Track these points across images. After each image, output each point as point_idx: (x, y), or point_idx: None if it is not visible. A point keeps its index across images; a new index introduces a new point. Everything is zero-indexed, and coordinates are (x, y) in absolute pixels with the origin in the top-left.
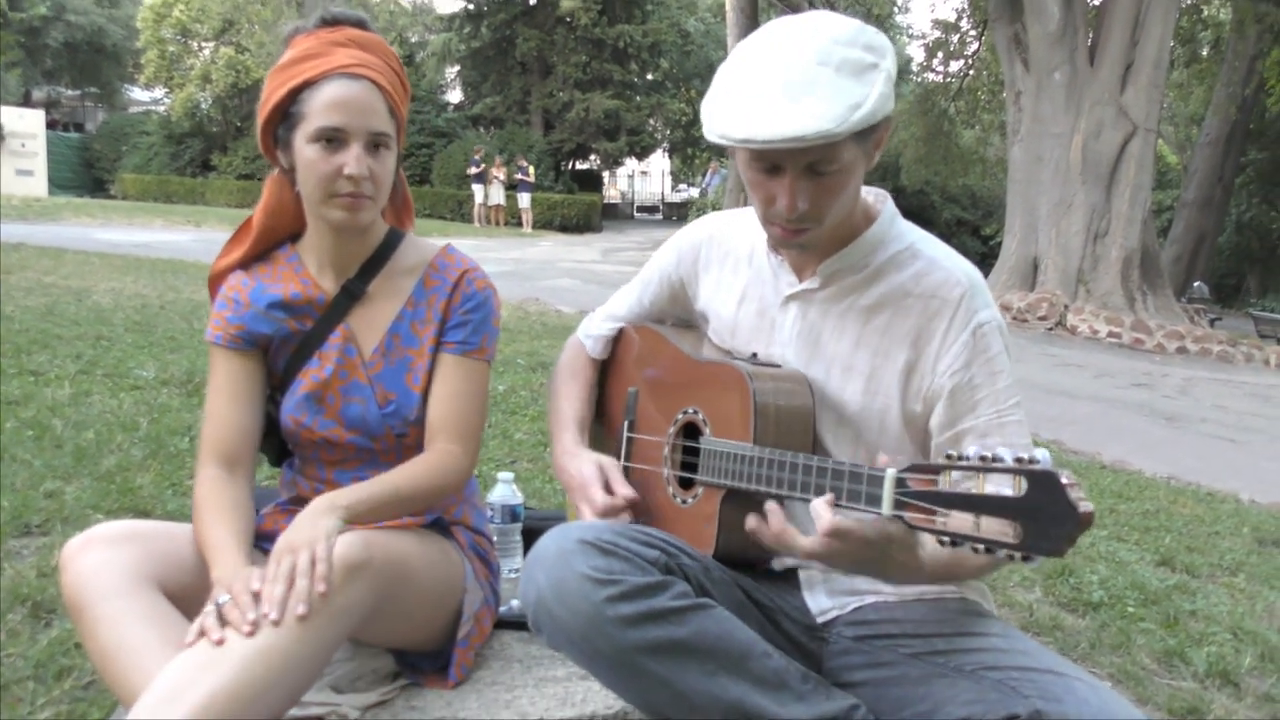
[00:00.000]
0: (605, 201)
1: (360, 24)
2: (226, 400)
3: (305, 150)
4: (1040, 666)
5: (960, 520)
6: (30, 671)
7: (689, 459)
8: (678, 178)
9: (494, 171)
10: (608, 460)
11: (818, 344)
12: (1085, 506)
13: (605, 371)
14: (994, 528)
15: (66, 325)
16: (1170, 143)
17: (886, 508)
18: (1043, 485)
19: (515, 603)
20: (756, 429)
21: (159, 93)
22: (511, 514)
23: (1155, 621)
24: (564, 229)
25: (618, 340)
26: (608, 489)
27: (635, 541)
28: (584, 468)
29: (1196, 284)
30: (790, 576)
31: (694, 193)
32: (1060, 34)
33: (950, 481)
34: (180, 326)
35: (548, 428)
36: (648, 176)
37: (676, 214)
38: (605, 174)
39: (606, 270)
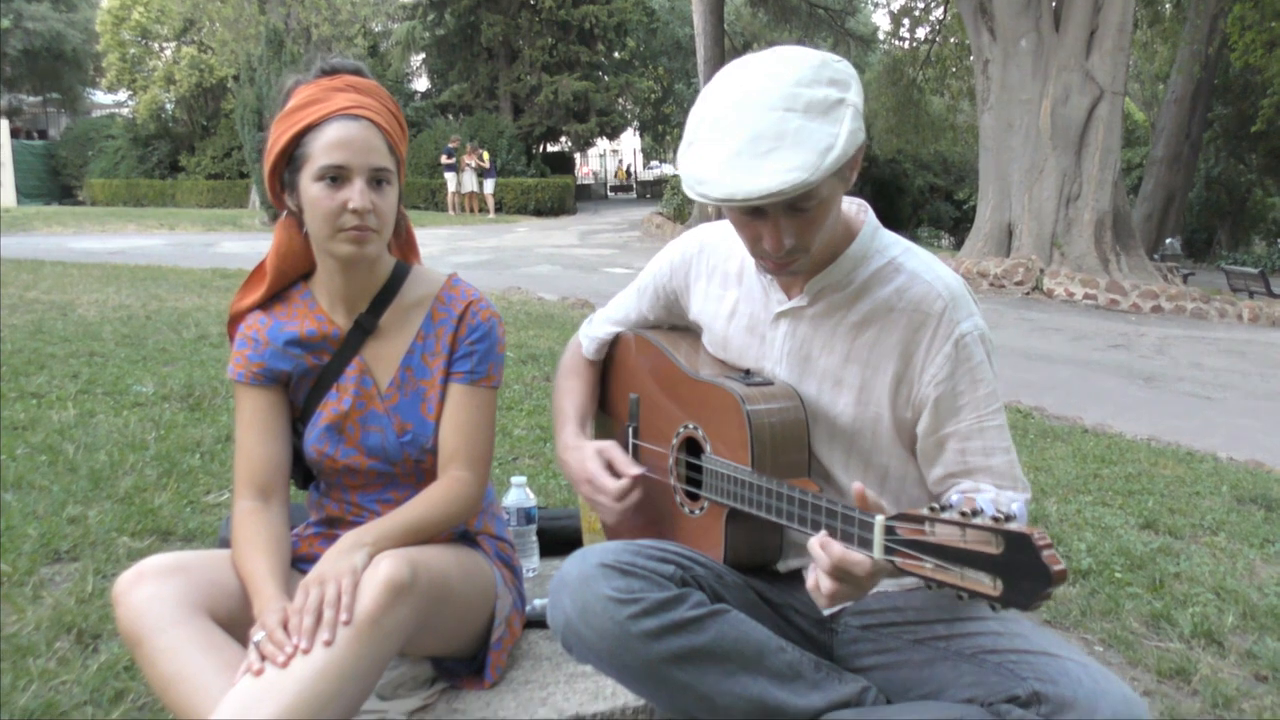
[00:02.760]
0: (578, 183)
1: (357, 71)
2: (255, 435)
3: (311, 189)
4: (1035, 649)
5: (947, 573)
6: (86, 697)
7: (693, 472)
8: (649, 155)
9: (466, 159)
10: (606, 444)
11: (808, 360)
12: (1057, 567)
13: (607, 372)
14: (976, 578)
15: (57, 343)
16: (1137, 100)
17: (877, 552)
18: (1018, 546)
19: (538, 602)
20: (754, 453)
21: (122, 95)
22: (527, 516)
23: (1142, 586)
24: (539, 213)
25: (617, 343)
26: (613, 472)
27: (651, 559)
28: (586, 460)
29: (1169, 241)
30: (796, 576)
31: (666, 169)
32: (1025, 2)
33: (935, 533)
34: (170, 337)
35: (551, 425)
36: (619, 155)
37: (650, 191)
38: (577, 155)
39: (585, 254)
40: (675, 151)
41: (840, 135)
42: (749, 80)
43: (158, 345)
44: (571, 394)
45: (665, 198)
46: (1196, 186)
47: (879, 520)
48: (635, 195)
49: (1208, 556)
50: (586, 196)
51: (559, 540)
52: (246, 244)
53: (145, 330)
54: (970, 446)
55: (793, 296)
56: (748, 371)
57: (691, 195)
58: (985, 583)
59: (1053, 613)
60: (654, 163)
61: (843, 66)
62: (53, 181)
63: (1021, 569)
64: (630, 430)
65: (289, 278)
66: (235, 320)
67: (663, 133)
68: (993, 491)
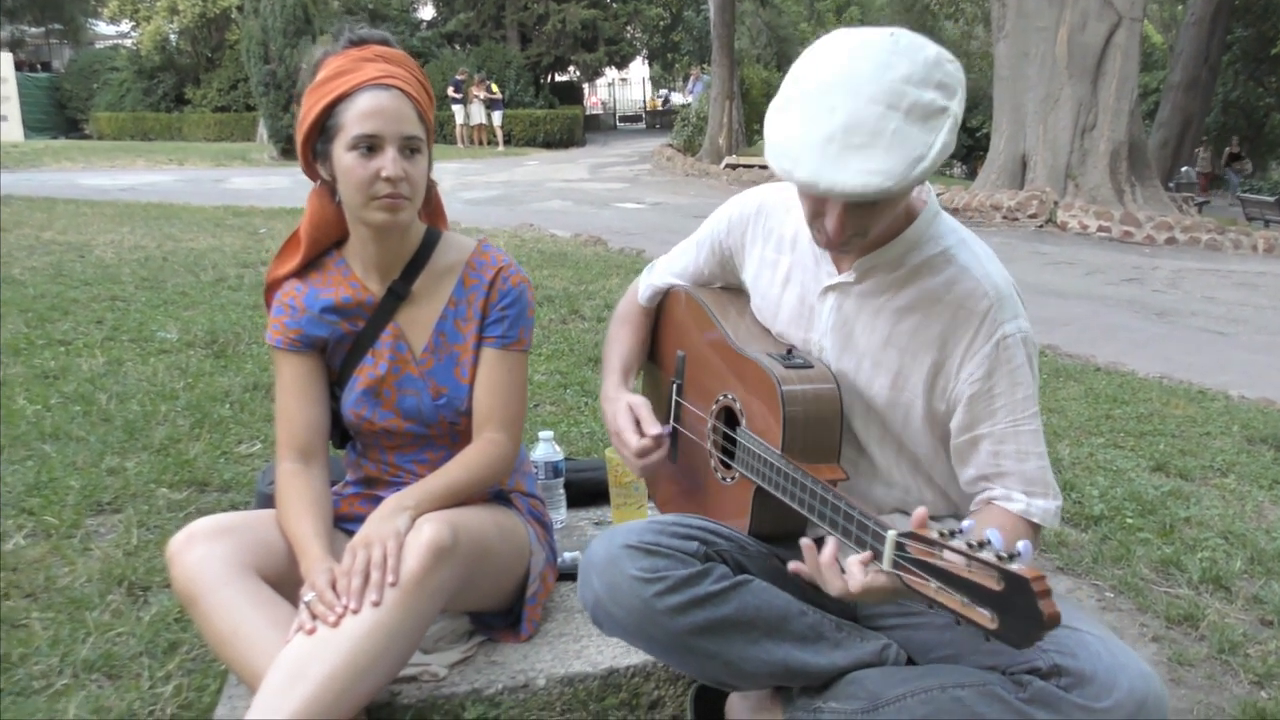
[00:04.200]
0: (587, 113)
1: (385, 42)
2: (294, 398)
3: (344, 158)
4: None
5: (949, 597)
6: (141, 648)
7: (728, 442)
8: (658, 84)
9: (474, 91)
10: (637, 400)
11: (850, 337)
12: (1051, 612)
13: (659, 323)
14: (976, 609)
15: (78, 286)
16: (1155, 23)
17: (886, 564)
18: (1016, 587)
19: (568, 555)
20: (785, 436)
21: (125, 26)
22: (554, 470)
23: (1152, 531)
24: (548, 145)
25: (669, 295)
26: (639, 429)
27: (675, 536)
28: (618, 413)
29: (1184, 169)
30: (819, 545)
31: (675, 99)
32: None
33: (943, 556)
34: (188, 280)
35: (600, 370)
36: (628, 84)
37: (660, 122)
38: (585, 85)
39: (596, 189)
40: (684, 80)
41: (934, 146)
42: (861, 61)
43: (177, 288)
44: (620, 343)
45: (676, 129)
46: (1214, 111)
47: (890, 535)
48: (644, 125)
49: (1217, 499)
50: (596, 127)
51: (585, 491)
52: (256, 179)
53: (163, 272)
54: (1004, 450)
55: (842, 270)
56: (790, 350)
57: (771, 163)
58: (984, 615)
59: (1065, 559)
60: (663, 91)
61: (953, 69)
62: (58, 115)
63: (1018, 610)
64: (675, 387)
65: (323, 246)
66: (272, 288)
67: (672, 61)
68: (1022, 501)
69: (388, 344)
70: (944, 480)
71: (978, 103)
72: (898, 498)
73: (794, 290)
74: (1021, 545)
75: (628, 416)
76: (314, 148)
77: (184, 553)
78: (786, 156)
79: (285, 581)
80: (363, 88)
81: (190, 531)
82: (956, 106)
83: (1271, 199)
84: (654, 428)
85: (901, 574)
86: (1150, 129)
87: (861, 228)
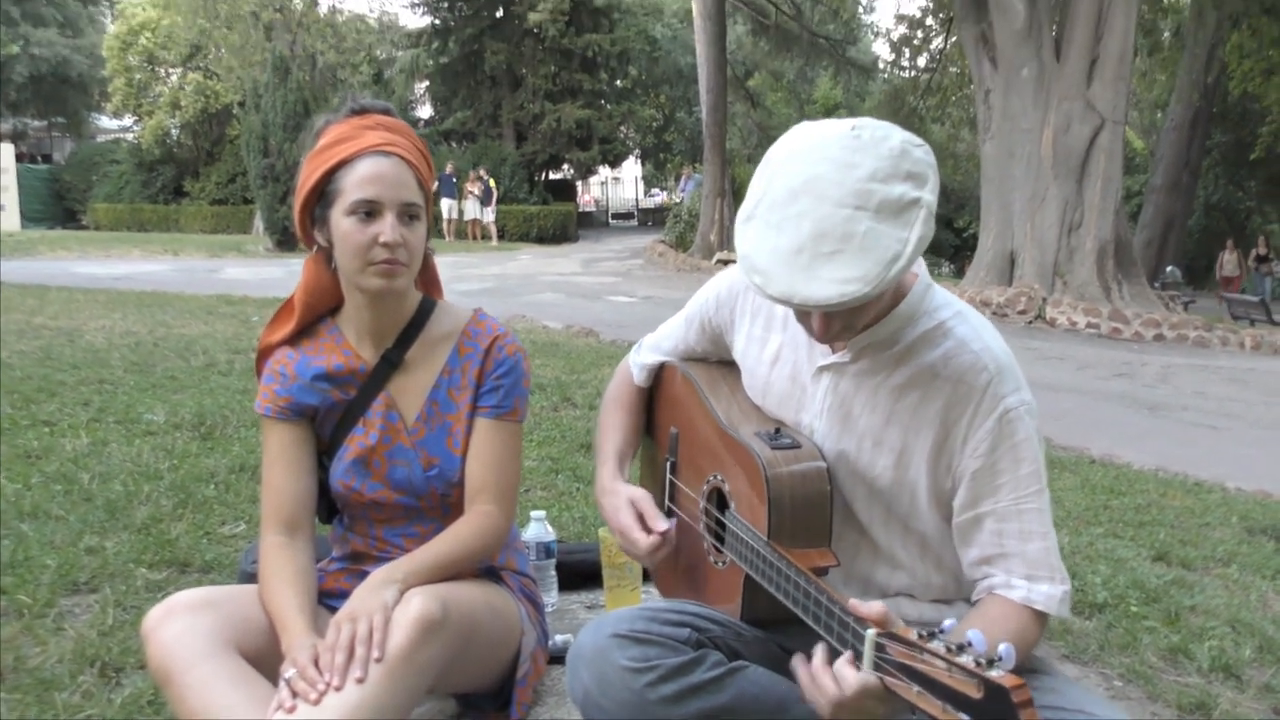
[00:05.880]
0: (580, 210)
1: (386, 111)
2: (282, 468)
3: (342, 223)
4: (1072, 706)
5: (929, 703)
6: None
7: (719, 526)
8: (650, 183)
9: (468, 187)
10: (639, 494)
11: (849, 417)
12: None
13: (654, 396)
14: (959, 715)
15: (66, 370)
16: (1136, 128)
17: (866, 665)
18: (997, 697)
19: (559, 638)
20: (771, 522)
21: (127, 121)
22: (546, 550)
23: (1158, 619)
24: (541, 240)
25: (663, 370)
26: (644, 525)
27: (666, 624)
28: (620, 509)
29: (1169, 268)
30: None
31: (662, 197)
32: (1026, 31)
33: (924, 659)
34: (178, 365)
35: (594, 455)
36: (620, 183)
37: (652, 219)
38: (579, 183)
39: (589, 282)
40: (676, 179)
41: (909, 241)
42: (822, 163)
43: (166, 373)
44: (614, 430)
45: (668, 225)
46: (1196, 213)
47: (869, 634)
48: (637, 223)
49: (1221, 589)
50: (589, 224)
51: (577, 574)
52: (251, 270)
53: (153, 357)
54: (1007, 529)
55: (836, 351)
56: (778, 429)
57: (744, 277)
58: None
59: (1071, 647)
60: (655, 190)
61: (921, 154)
62: (56, 205)
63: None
64: (669, 465)
65: (316, 313)
66: (264, 355)
67: (664, 160)
68: (1023, 588)
69: (379, 413)
70: (954, 562)
71: (964, 203)
72: (904, 581)
73: (784, 369)
74: (1003, 649)
75: (630, 513)
76: (312, 213)
77: (161, 627)
78: (757, 271)
79: (266, 659)
80: (364, 154)
81: (169, 605)
82: (929, 195)
83: (1256, 299)
84: (660, 523)
85: (883, 676)
86: (1134, 230)
87: (848, 324)
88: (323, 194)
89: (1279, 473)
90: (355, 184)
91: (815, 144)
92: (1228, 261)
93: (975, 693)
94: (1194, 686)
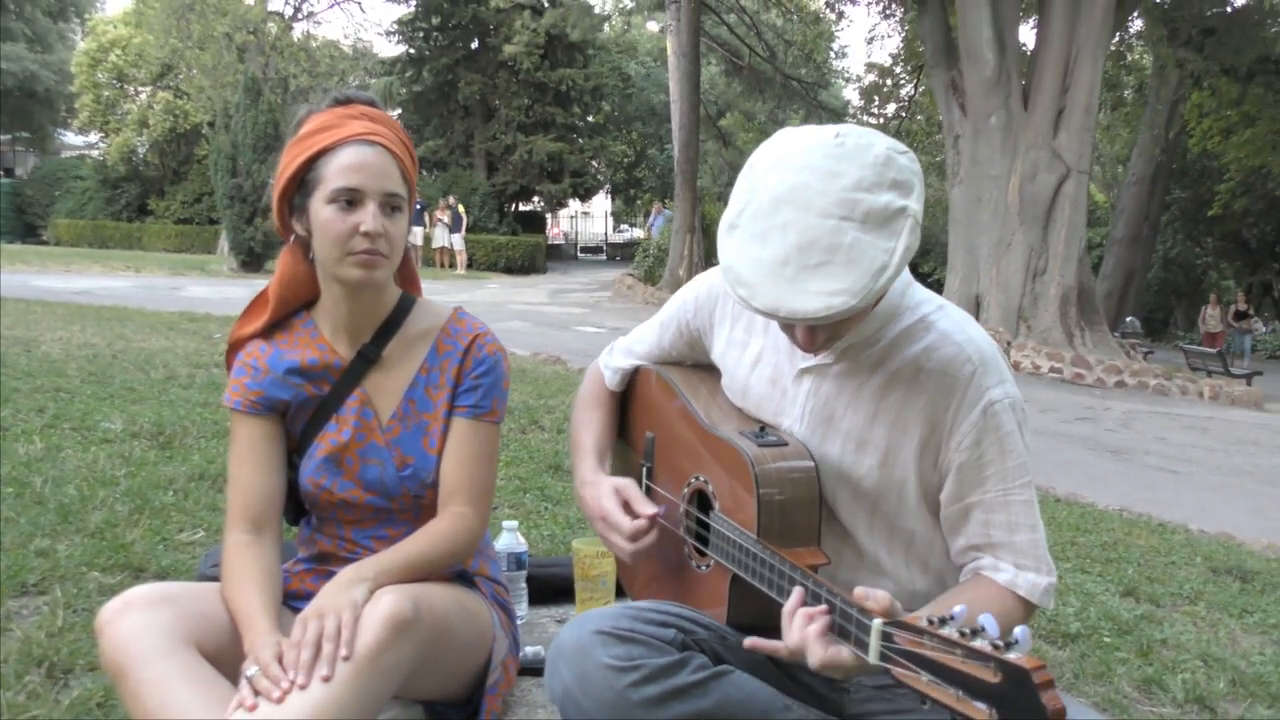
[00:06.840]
0: (549, 243)
1: (370, 103)
2: (250, 464)
3: (322, 212)
4: None
5: (942, 691)
6: None
7: (701, 528)
8: (619, 218)
9: (438, 215)
10: (623, 481)
11: (831, 419)
12: (1055, 704)
13: (628, 400)
14: (972, 703)
15: (21, 378)
16: (1098, 182)
17: (873, 657)
18: (1015, 680)
19: (529, 649)
20: (761, 520)
21: (94, 137)
22: (518, 561)
23: (1130, 651)
24: (509, 270)
25: (638, 374)
26: (628, 510)
27: (650, 623)
28: (602, 496)
29: (1129, 319)
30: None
31: (636, 233)
32: (995, 80)
33: (932, 646)
34: (137, 377)
35: (569, 457)
36: (590, 217)
37: (620, 254)
38: (548, 215)
39: (556, 312)
40: (646, 215)
41: (896, 251)
42: (806, 171)
43: (125, 384)
44: (590, 426)
45: (637, 259)
46: (1154, 267)
47: (876, 624)
48: (605, 257)
49: (1190, 625)
50: (557, 256)
51: (549, 588)
52: (214, 289)
53: (112, 369)
54: (994, 519)
55: (818, 352)
56: (763, 428)
57: (728, 289)
58: (980, 710)
59: None
60: (624, 226)
61: (907, 162)
62: (17, 220)
63: (1018, 704)
64: (644, 470)
65: (291, 306)
66: (235, 348)
67: (634, 196)
68: (1009, 571)
69: (353, 410)
70: (940, 565)
71: (929, 249)
72: (888, 588)
73: (764, 371)
74: (1019, 632)
75: (613, 499)
76: (291, 201)
77: (116, 621)
78: (742, 284)
79: (227, 657)
80: (346, 142)
81: (126, 598)
82: (915, 203)
83: (1213, 351)
84: (647, 507)
85: (891, 667)
86: (1096, 280)
87: (834, 333)
88: (303, 182)
89: (1240, 517)
90: (337, 172)
91: (799, 151)
92: (1210, 316)
93: (992, 677)
94: (1170, 717)
